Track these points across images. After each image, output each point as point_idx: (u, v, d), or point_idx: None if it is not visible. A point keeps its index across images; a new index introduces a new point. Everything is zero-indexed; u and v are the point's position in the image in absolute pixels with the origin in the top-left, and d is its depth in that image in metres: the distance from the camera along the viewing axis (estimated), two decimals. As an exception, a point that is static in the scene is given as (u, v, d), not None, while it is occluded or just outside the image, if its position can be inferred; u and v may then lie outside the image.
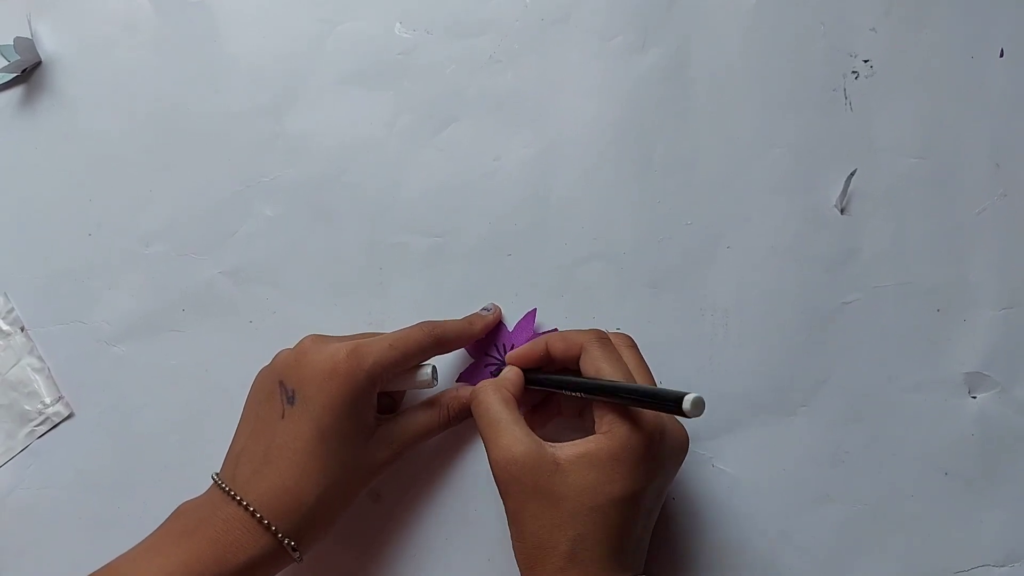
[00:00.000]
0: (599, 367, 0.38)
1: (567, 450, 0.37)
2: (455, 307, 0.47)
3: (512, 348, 0.45)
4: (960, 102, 0.48)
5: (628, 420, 0.37)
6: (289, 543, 0.38)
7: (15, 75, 0.52)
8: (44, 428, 0.48)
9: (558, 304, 0.47)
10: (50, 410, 0.48)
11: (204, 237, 0.50)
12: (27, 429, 0.48)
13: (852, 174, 0.47)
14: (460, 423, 0.45)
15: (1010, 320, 0.46)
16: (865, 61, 0.49)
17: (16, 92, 0.52)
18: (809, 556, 0.44)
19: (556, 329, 0.46)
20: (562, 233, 0.48)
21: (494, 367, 0.46)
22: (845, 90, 0.49)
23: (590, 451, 0.36)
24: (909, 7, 0.49)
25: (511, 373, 0.43)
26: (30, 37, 0.52)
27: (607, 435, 0.37)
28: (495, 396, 0.40)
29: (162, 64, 0.52)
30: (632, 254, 0.48)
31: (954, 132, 0.48)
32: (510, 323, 0.47)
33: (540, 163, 0.49)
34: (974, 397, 0.45)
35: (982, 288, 0.46)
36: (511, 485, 0.37)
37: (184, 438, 0.48)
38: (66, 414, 0.48)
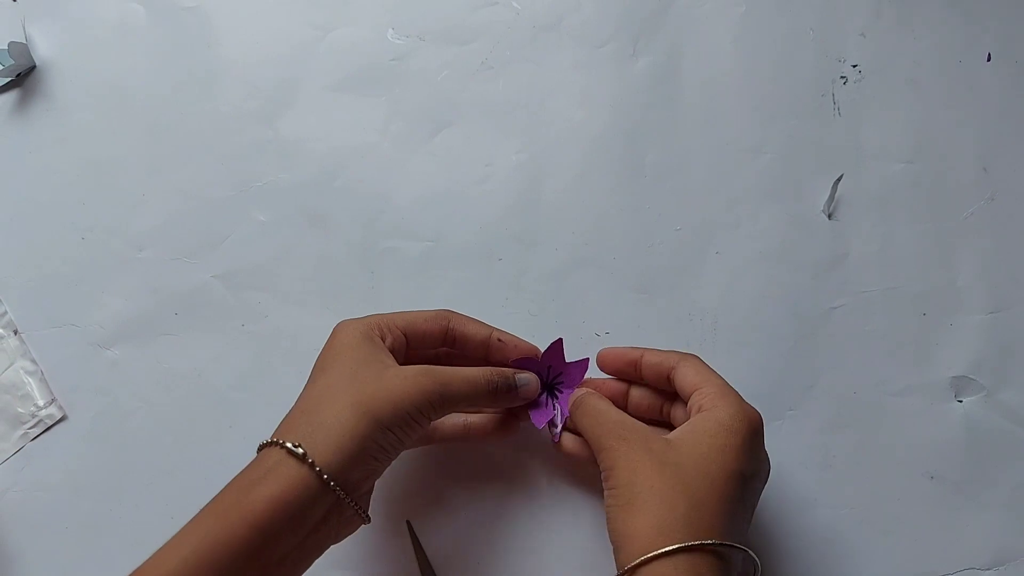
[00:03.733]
0: (694, 380, 0.39)
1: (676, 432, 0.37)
2: (446, 311, 0.47)
3: (561, 376, 0.44)
4: (948, 106, 0.49)
5: (734, 398, 0.38)
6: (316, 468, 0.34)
7: (9, 79, 0.52)
8: (37, 431, 0.49)
9: (548, 309, 0.47)
10: (43, 412, 0.49)
11: (197, 241, 0.50)
12: (20, 432, 0.49)
13: (839, 179, 0.47)
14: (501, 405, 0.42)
15: (996, 324, 0.46)
16: (854, 66, 0.50)
17: (10, 96, 0.53)
18: (796, 559, 0.45)
19: (587, 359, 0.44)
20: (553, 238, 0.49)
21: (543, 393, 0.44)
22: (834, 95, 0.49)
23: (697, 426, 0.37)
24: (898, 12, 0.50)
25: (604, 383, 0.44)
26: (24, 42, 0.52)
27: (712, 410, 0.37)
28: (601, 399, 0.41)
29: (156, 69, 0.53)
30: (622, 259, 0.48)
31: (942, 136, 0.49)
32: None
33: (531, 168, 0.50)
34: (960, 401, 0.46)
35: (969, 292, 0.47)
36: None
37: (177, 441, 0.48)
38: (59, 417, 0.49)
